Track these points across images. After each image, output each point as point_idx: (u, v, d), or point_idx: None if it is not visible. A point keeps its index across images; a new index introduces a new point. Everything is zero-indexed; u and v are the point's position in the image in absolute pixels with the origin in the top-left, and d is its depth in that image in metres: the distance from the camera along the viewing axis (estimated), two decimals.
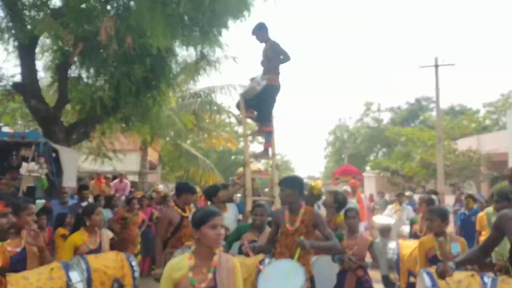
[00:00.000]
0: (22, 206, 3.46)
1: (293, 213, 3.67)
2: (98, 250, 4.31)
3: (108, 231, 6.84)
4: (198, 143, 21.20)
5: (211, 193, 5.11)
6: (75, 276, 3.27)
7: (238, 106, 5.99)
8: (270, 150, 5.64)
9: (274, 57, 5.56)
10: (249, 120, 6.27)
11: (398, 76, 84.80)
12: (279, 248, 3.70)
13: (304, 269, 3.28)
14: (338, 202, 4.73)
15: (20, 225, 3.43)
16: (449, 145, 20.34)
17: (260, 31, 5.76)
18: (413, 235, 5.51)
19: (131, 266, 4.14)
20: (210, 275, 2.35)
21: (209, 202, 5.30)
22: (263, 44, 5.74)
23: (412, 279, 4.80)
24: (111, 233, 6.87)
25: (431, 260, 3.96)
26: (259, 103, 5.61)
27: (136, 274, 4.16)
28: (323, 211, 5.02)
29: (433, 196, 7.44)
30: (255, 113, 5.84)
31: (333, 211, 4.89)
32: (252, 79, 5.63)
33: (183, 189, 4.59)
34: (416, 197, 12.02)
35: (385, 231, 6.05)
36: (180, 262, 2.41)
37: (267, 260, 3.66)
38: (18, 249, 3.38)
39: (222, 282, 2.36)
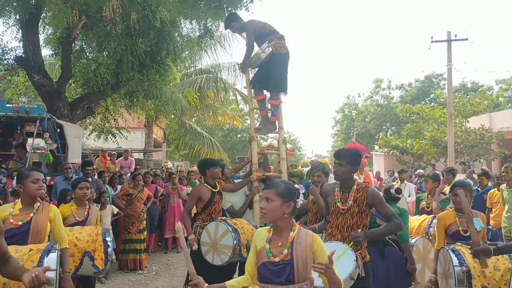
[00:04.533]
0: (25, 173, 3.39)
1: (345, 190, 3.33)
2: (83, 222, 4.46)
3: (113, 207, 6.88)
4: (203, 121, 21.06)
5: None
6: (50, 261, 3.05)
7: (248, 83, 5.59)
8: (277, 123, 5.41)
9: (264, 28, 5.09)
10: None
11: (409, 53, 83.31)
12: (329, 229, 3.37)
13: (356, 254, 3.08)
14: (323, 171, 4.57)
15: (28, 194, 3.37)
16: (460, 122, 19.95)
17: (234, 21, 5.28)
18: (420, 211, 5.72)
19: (105, 241, 4.17)
20: (286, 251, 2.39)
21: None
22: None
23: None
24: (116, 209, 6.91)
25: (453, 236, 3.84)
26: (267, 74, 5.13)
27: (110, 250, 4.19)
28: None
29: (451, 175, 7.27)
30: (264, 92, 5.33)
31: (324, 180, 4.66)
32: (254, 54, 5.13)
33: (208, 165, 4.65)
34: None
35: None
36: (263, 232, 2.53)
37: None
38: (20, 223, 3.27)
39: (299, 257, 2.38)
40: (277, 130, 5.43)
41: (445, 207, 5.40)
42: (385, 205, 3.32)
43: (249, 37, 5.15)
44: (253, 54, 5.06)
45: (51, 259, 3.08)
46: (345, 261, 2.90)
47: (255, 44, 5.14)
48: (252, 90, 5.44)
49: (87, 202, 4.72)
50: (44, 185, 3.44)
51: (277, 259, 2.37)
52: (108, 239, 4.23)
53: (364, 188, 3.30)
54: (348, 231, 3.22)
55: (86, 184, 4.63)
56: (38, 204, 3.43)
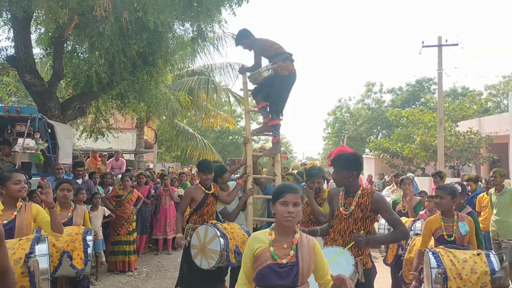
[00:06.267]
0: (7, 175, 3.40)
1: (349, 195, 3.27)
2: (67, 223, 4.36)
3: (105, 209, 6.84)
4: (196, 123, 21.03)
5: (218, 173, 4.96)
6: (41, 249, 3.17)
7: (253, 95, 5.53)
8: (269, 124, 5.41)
9: (270, 51, 5.10)
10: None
11: (400, 57, 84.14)
12: (332, 234, 3.32)
13: (356, 260, 3.02)
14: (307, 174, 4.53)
15: (10, 195, 3.39)
16: (450, 126, 20.15)
17: (245, 38, 5.28)
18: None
19: (84, 240, 4.12)
20: (292, 252, 2.37)
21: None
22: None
23: (400, 251, 5.12)
24: (108, 211, 6.87)
25: (438, 240, 3.91)
26: (267, 93, 5.14)
27: (89, 250, 4.13)
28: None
29: (438, 178, 7.36)
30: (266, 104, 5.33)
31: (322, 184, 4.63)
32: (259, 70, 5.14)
33: (198, 168, 4.70)
34: (416, 179, 12.00)
35: None
36: (262, 236, 2.46)
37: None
38: (5, 221, 3.29)
39: (304, 259, 2.37)
40: (270, 133, 5.44)
41: (418, 212, 5.53)
42: (391, 211, 3.25)
43: (256, 57, 5.17)
44: (255, 72, 5.11)
45: (42, 247, 3.16)
46: (343, 265, 2.87)
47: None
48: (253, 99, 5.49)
49: (72, 203, 4.65)
50: (26, 186, 3.48)
51: (284, 261, 2.34)
52: (88, 238, 4.15)
53: (370, 193, 3.22)
54: (350, 236, 3.16)
55: (67, 185, 4.56)
56: (21, 203, 3.46)
